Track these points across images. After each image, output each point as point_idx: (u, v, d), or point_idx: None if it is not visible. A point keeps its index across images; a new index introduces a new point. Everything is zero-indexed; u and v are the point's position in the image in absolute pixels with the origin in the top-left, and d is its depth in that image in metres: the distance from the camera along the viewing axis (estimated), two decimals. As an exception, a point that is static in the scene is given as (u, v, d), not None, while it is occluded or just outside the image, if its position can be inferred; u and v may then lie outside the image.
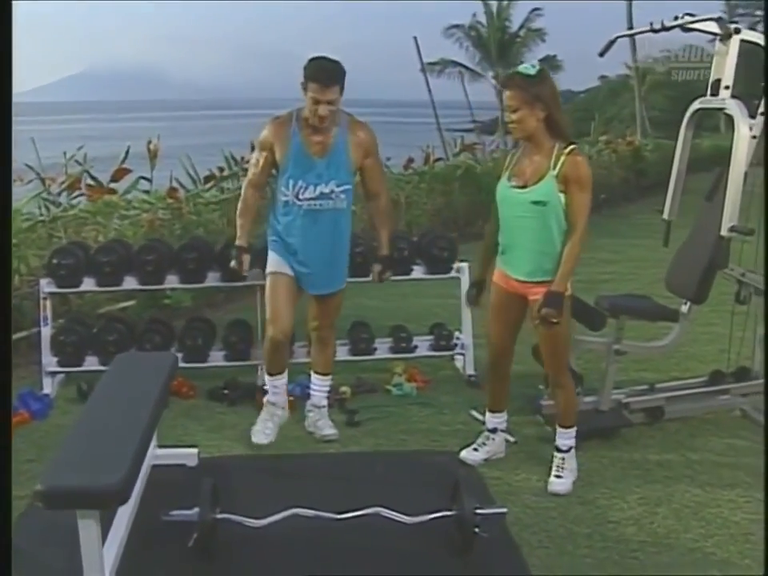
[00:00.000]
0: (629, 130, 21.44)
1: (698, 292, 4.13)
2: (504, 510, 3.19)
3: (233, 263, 4.09)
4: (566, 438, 3.69)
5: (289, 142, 3.79)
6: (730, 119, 4.08)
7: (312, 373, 4.23)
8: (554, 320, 3.38)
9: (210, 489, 3.12)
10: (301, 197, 3.82)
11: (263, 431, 4.06)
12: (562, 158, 3.35)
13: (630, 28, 26.60)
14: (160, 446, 3.81)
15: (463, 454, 3.87)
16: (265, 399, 4.14)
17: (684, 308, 4.24)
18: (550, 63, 33.52)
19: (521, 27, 33.90)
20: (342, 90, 3.71)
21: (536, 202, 3.38)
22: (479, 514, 3.03)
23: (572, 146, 3.38)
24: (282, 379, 4.12)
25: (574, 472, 3.68)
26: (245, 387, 4.66)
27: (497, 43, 33.29)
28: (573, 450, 3.70)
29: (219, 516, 3.08)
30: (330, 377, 4.24)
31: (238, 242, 4.05)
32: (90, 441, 2.86)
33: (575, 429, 3.71)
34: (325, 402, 4.19)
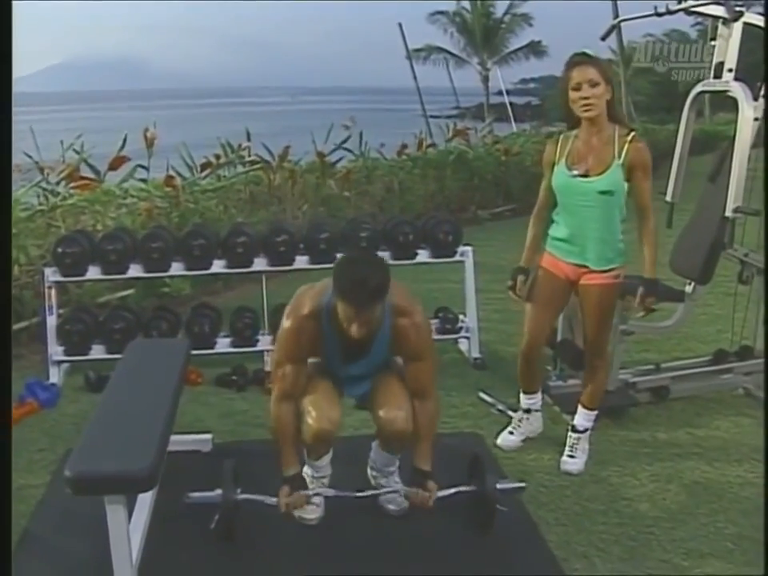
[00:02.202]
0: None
1: (702, 272, 4.18)
2: (523, 484, 3.24)
3: (282, 502, 3.04)
4: (585, 419, 3.73)
5: (321, 347, 3.04)
6: (715, 104, 4.13)
7: (377, 445, 3.39)
8: (653, 306, 3.51)
9: (231, 470, 3.14)
10: (338, 376, 3.18)
11: (312, 503, 3.22)
12: (627, 146, 3.34)
13: (616, 11, 26.68)
14: (173, 433, 3.83)
15: (499, 440, 3.91)
16: (308, 470, 3.30)
17: (689, 288, 4.29)
18: (534, 49, 33.66)
19: (506, 13, 33.89)
20: (384, 303, 2.85)
21: (604, 192, 3.37)
22: (500, 489, 3.07)
23: (632, 133, 3.38)
24: (328, 456, 3.28)
25: (586, 452, 3.72)
26: (252, 373, 4.69)
27: (482, 29, 33.26)
28: (588, 432, 3.74)
29: (241, 497, 3.09)
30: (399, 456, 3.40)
31: (286, 472, 3.07)
32: (114, 427, 2.88)
33: (596, 412, 3.75)
34: (394, 469, 3.39)
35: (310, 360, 3.14)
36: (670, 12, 4.12)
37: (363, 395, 3.26)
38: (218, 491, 3.05)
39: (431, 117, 15.48)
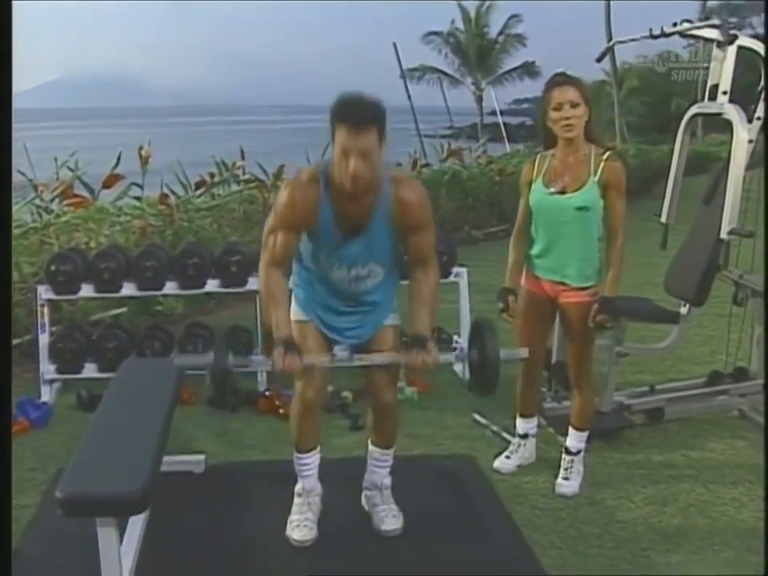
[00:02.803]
0: (606, 136, 21.64)
1: (697, 294, 4.18)
2: (526, 353, 3.24)
3: (278, 362, 2.91)
4: (577, 440, 3.72)
5: (317, 217, 2.91)
6: (707, 125, 4.15)
7: (369, 444, 3.39)
8: (609, 325, 3.49)
9: (224, 337, 3.11)
10: (332, 274, 3.06)
11: (304, 524, 3.22)
12: (602, 164, 3.39)
13: (609, 32, 26.86)
14: (165, 454, 3.80)
15: (496, 463, 3.87)
16: (297, 487, 3.30)
17: (683, 310, 4.29)
18: (528, 69, 33.87)
19: (500, 33, 34.09)
20: (382, 137, 2.79)
21: (580, 208, 3.41)
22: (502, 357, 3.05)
23: (608, 152, 3.44)
24: (316, 456, 3.28)
25: (581, 474, 3.70)
26: (245, 393, 4.66)
27: (476, 49, 33.44)
28: (582, 454, 3.73)
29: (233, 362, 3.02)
30: (392, 450, 3.37)
31: (278, 336, 2.94)
32: (106, 448, 2.86)
33: (587, 433, 3.73)
34: (388, 482, 3.36)
35: (300, 319, 3.11)
36: (665, 35, 4.14)
37: (359, 345, 3.16)
38: (210, 357, 2.99)
39: (425, 136, 15.51)
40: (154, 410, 3.16)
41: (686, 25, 4.09)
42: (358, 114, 2.74)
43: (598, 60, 4.60)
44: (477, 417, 4.43)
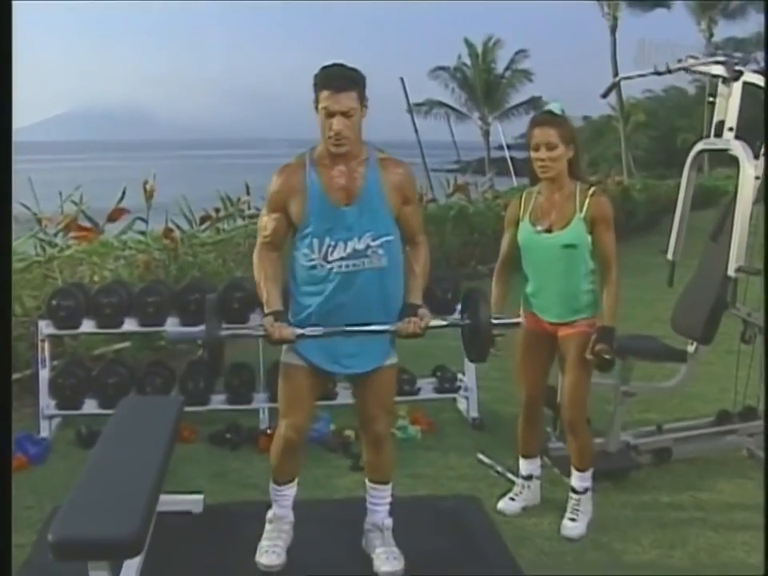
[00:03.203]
0: (613, 170, 21.69)
1: (704, 332, 4.12)
2: (519, 320, 3.28)
3: (270, 330, 2.95)
4: (581, 480, 3.64)
5: (305, 192, 2.97)
6: (713, 161, 4.12)
7: (367, 481, 3.35)
8: (607, 355, 3.39)
9: (215, 304, 3.11)
10: (330, 258, 2.99)
11: (273, 550, 3.24)
12: (588, 200, 3.39)
13: (615, 68, 27.04)
14: (164, 492, 3.74)
15: (500, 505, 3.79)
16: (269, 513, 3.33)
17: (690, 348, 4.23)
18: (535, 104, 33.96)
19: (506, 68, 34.28)
20: (362, 100, 2.94)
21: (567, 246, 3.41)
22: (496, 324, 3.06)
23: (593, 187, 3.44)
24: (292, 488, 3.31)
25: (589, 514, 3.62)
26: (247, 431, 4.60)
27: (482, 84, 33.63)
28: (589, 492, 3.65)
29: (225, 332, 3.04)
30: (389, 486, 3.33)
31: (269, 309, 2.99)
32: (101, 488, 2.81)
33: (591, 470, 3.65)
34: (389, 523, 3.31)
35: (289, 361, 3.12)
36: (670, 71, 4.12)
37: (359, 376, 3.18)
38: (201, 327, 2.99)
39: (433, 170, 15.52)
40: (152, 448, 3.10)
41: (691, 61, 4.07)
42: (338, 77, 2.90)
43: (603, 96, 4.58)
44: (481, 456, 4.36)
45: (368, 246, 2.99)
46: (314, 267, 3.01)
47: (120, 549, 2.48)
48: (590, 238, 3.42)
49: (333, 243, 2.98)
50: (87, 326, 4.71)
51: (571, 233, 3.41)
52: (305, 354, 3.10)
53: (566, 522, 3.58)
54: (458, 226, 10.58)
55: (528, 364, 3.66)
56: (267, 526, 3.32)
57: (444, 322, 3.17)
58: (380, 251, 3.01)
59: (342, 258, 2.99)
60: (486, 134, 33.73)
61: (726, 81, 4.02)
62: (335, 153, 2.94)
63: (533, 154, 3.41)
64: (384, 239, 3.01)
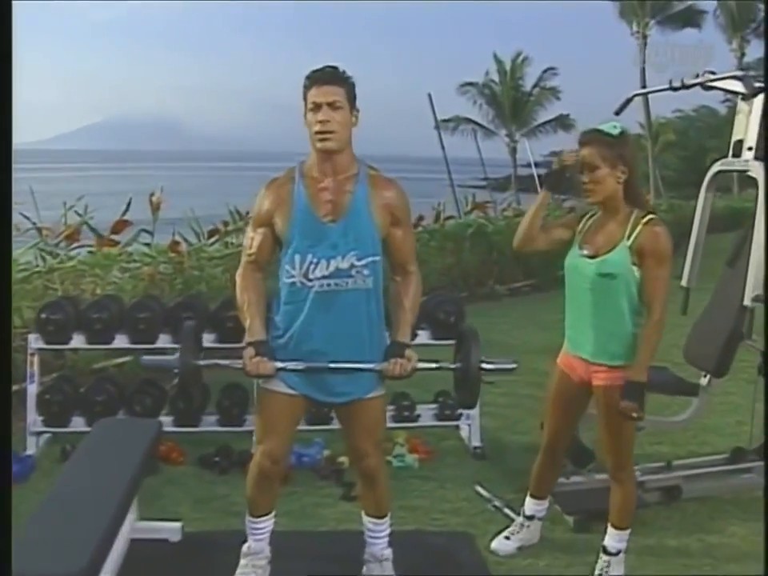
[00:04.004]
0: (642, 191, 21.34)
1: (719, 364, 3.89)
2: (513, 365, 2.98)
3: (249, 365, 2.81)
4: (617, 540, 3.28)
5: (292, 206, 2.85)
6: (743, 181, 3.88)
7: (363, 515, 3.20)
8: (634, 414, 3.01)
9: (192, 332, 2.98)
10: (311, 275, 2.84)
11: None
12: (639, 227, 3.03)
13: (644, 87, 26.77)
14: (142, 519, 3.57)
15: (494, 544, 3.55)
16: (244, 547, 3.15)
17: (703, 380, 4.00)
18: (563, 122, 33.75)
19: (534, 86, 34.08)
20: (351, 102, 2.84)
21: (603, 275, 3.05)
22: (486, 369, 2.87)
23: (651, 215, 3.08)
24: (269, 522, 3.13)
25: None
26: (237, 455, 4.41)
27: (510, 101, 33.44)
28: (622, 555, 3.30)
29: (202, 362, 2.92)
30: (387, 518, 3.19)
31: (250, 338, 2.85)
32: (59, 518, 2.66)
33: (629, 531, 3.31)
34: (388, 553, 3.18)
35: (268, 386, 2.95)
36: (685, 87, 3.89)
37: (344, 405, 3.00)
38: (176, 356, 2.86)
39: (459, 186, 15.32)
40: (118, 476, 2.93)
41: (709, 76, 3.83)
42: (324, 73, 2.82)
43: (617, 113, 4.34)
44: (479, 489, 4.14)
45: (352, 266, 2.85)
46: (293, 284, 2.88)
47: (68, 587, 2.30)
48: (637, 272, 3.05)
49: (315, 260, 2.84)
50: (77, 341, 4.55)
51: (611, 260, 3.04)
52: (287, 381, 2.93)
53: None
54: (477, 244, 10.38)
55: (555, 408, 3.36)
56: (242, 561, 3.14)
57: (433, 365, 2.95)
58: (365, 272, 2.87)
59: (323, 277, 2.85)
60: (513, 151, 33.49)
61: (745, 97, 3.78)
62: (322, 149, 2.81)
63: (580, 177, 3.12)
64: (370, 259, 2.87)
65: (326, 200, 2.85)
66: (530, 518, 3.57)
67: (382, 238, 2.92)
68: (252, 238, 2.95)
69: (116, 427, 3.63)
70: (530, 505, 3.58)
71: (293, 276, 2.87)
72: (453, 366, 2.97)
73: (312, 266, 2.84)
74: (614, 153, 3.04)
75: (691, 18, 32.68)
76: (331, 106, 2.77)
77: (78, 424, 4.58)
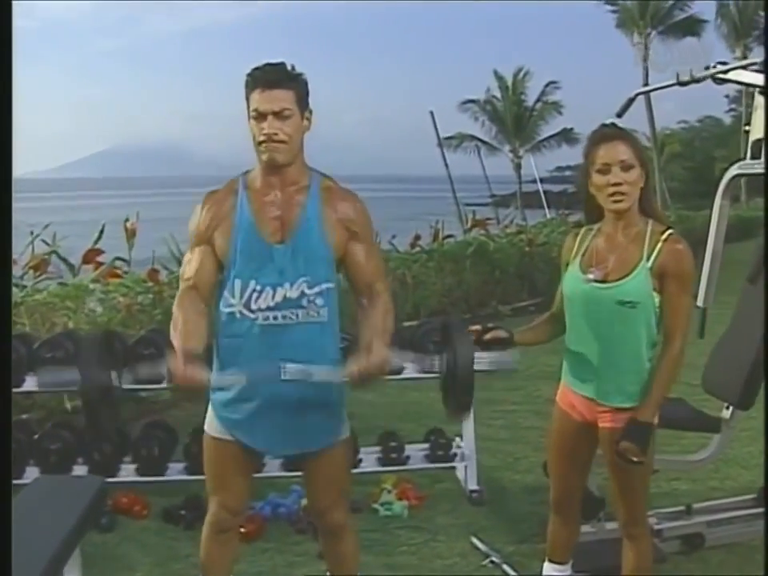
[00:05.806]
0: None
1: (743, 396, 3.41)
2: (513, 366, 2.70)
3: (177, 372, 2.27)
4: None
5: (232, 223, 2.47)
6: (751, 189, 3.43)
7: None
8: (635, 458, 2.54)
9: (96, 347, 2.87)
10: (253, 306, 2.45)
11: None
12: (660, 245, 2.56)
13: (648, 97, 26.34)
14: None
15: None
16: None
17: (726, 413, 3.54)
18: (567, 136, 33.42)
19: (537, 101, 33.82)
20: (303, 106, 2.47)
21: (623, 303, 2.56)
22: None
23: (670, 230, 2.60)
24: None
25: None
26: (205, 506, 3.94)
27: (513, 117, 33.19)
28: None
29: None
30: None
31: (183, 346, 2.30)
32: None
33: None
34: None
35: (211, 433, 2.60)
36: (695, 80, 3.44)
37: (297, 457, 2.73)
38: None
39: (466, 205, 14.96)
40: (42, 547, 2.48)
41: (720, 67, 3.38)
42: (270, 73, 2.42)
43: (619, 115, 3.90)
44: (475, 541, 3.66)
45: (302, 294, 2.46)
46: (232, 314, 2.48)
47: None
48: (656, 298, 2.59)
49: (259, 288, 2.45)
50: (30, 383, 4.11)
51: (631, 285, 2.57)
52: (229, 429, 2.54)
53: None
54: (478, 263, 9.97)
55: (559, 455, 2.85)
56: None
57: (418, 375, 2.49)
58: (318, 301, 2.48)
59: (269, 308, 2.45)
60: (518, 167, 33.17)
61: (763, 91, 3.32)
62: (268, 161, 2.43)
63: (599, 179, 2.58)
64: (324, 286, 2.48)
65: (271, 216, 2.47)
66: None
67: (339, 257, 2.53)
68: (190, 260, 2.53)
69: (52, 486, 3.18)
70: (548, 570, 3.02)
71: (232, 305, 2.47)
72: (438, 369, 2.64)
73: (255, 295, 2.45)
74: (640, 151, 2.61)
75: (692, 28, 32.52)
76: (278, 115, 2.40)
77: (32, 474, 4.13)
